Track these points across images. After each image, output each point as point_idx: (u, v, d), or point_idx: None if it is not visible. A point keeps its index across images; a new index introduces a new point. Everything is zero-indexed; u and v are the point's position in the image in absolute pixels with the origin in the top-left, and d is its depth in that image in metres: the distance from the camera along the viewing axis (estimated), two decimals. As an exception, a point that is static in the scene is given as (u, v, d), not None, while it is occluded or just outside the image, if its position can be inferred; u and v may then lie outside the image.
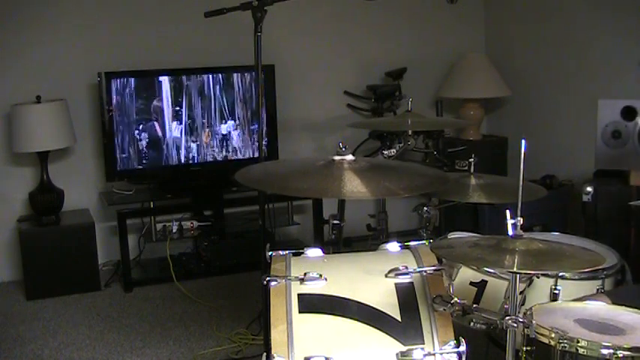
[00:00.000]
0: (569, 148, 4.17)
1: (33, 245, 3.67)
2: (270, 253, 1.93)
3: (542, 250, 1.60)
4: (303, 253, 1.96)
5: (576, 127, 4.09)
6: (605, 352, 1.51)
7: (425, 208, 2.63)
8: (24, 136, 3.68)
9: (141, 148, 3.87)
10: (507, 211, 1.64)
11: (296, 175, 1.93)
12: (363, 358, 1.68)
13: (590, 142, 3.45)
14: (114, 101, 3.78)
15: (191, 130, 3.96)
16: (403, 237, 2.14)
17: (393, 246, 2.00)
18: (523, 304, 2.07)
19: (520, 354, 1.65)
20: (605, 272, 2.16)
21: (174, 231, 4.01)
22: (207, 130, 4.00)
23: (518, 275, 1.60)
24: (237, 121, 4.05)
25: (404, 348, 1.67)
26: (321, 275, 1.79)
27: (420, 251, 1.92)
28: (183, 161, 3.98)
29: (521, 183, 1.64)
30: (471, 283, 2.24)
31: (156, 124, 3.89)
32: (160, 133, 3.91)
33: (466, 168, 2.45)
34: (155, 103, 3.87)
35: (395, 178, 1.94)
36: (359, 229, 4.08)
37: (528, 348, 1.63)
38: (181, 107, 3.93)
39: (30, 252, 3.67)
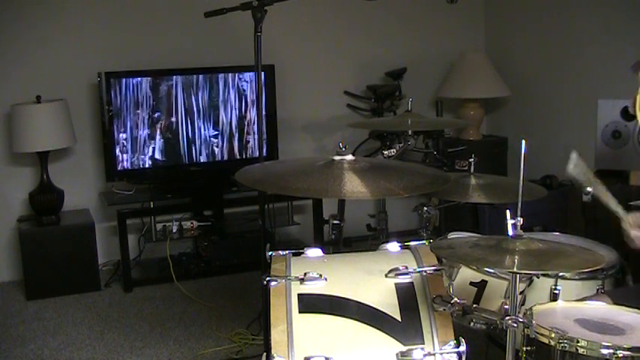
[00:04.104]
0: (569, 148, 4.16)
1: (33, 245, 3.67)
2: (270, 253, 1.93)
3: (542, 250, 1.60)
4: (303, 253, 1.96)
5: (576, 127, 4.09)
6: (605, 352, 1.52)
7: (425, 208, 2.63)
8: (24, 136, 3.68)
9: (141, 148, 3.88)
10: (507, 211, 1.64)
11: (296, 175, 1.93)
12: (363, 358, 1.68)
13: (590, 142, 3.45)
14: (114, 101, 3.78)
15: (191, 130, 3.96)
16: (403, 237, 2.14)
17: (393, 246, 1.99)
18: (523, 304, 2.07)
19: (520, 354, 1.65)
20: (605, 272, 2.16)
21: (174, 231, 4.01)
22: (207, 129, 4.00)
23: (518, 275, 1.60)
24: (238, 121, 4.05)
25: (404, 348, 1.67)
26: (321, 275, 1.79)
27: (420, 251, 1.92)
28: (183, 161, 3.98)
29: (521, 183, 1.64)
30: (471, 283, 2.24)
31: (155, 123, 3.89)
32: (159, 133, 3.91)
33: (466, 168, 2.45)
34: (155, 102, 3.87)
35: (395, 178, 1.94)
36: (359, 229, 4.08)
37: (528, 348, 1.63)
38: (181, 107, 3.93)
39: (30, 252, 3.67)
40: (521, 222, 1.62)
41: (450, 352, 1.67)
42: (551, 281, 2.06)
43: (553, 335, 1.57)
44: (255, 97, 4.02)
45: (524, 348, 1.64)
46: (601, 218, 3.25)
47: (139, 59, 4.02)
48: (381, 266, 1.84)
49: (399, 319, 1.72)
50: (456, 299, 1.69)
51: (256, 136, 4.04)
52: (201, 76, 3.95)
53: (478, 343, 2.19)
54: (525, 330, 1.61)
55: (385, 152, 2.89)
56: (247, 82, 4.04)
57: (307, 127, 4.50)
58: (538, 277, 2.12)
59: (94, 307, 3.58)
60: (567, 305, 1.82)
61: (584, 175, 2.01)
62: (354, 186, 1.81)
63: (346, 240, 4.08)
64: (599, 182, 2.04)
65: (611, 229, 2.10)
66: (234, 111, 4.04)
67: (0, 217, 3.95)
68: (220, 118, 4.01)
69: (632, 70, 2.19)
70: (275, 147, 4.13)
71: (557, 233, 2.52)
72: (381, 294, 1.77)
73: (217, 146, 4.03)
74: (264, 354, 1.70)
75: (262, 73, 2.59)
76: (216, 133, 4.02)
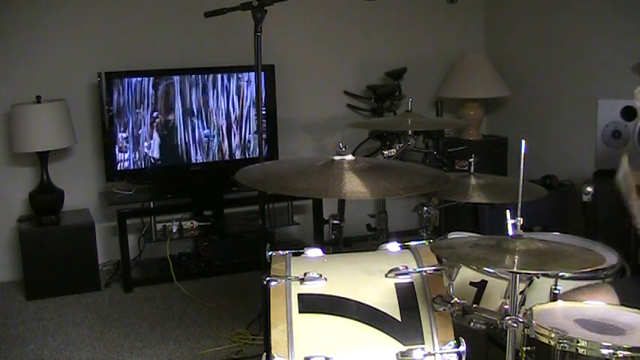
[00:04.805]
0: (569, 148, 4.17)
1: (33, 245, 3.67)
2: (270, 253, 1.92)
3: (542, 250, 1.60)
4: (303, 253, 1.96)
5: (576, 127, 4.09)
6: (605, 352, 1.51)
7: (425, 208, 2.62)
8: (24, 136, 3.68)
9: (141, 148, 3.87)
10: (507, 211, 1.64)
11: (296, 175, 1.93)
12: (363, 358, 1.68)
13: (590, 142, 3.45)
14: (114, 101, 3.78)
15: (191, 130, 3.96)
16: (403, 237, 2.14)
17: (393, 246, 1.99)
18: (523, 304, 2.07)
19: (520, 354, 1.65)
20: (605, 272, 2.16)
21: (174, 231, 4.01)
22: (207, 129, 4.00)
23: (518, 275, 1.60)
24: (237, 121, 4.05)
25: (404, 348, 1.67)
26: (321, 275, 1.79)
27: (420, 251, 1.92)
28: (183, 161, 3.98)
29: (521, 183, 1.64)
30: (471, 283, 2.24)
31: (156, 123, 3.89)
32: (159, 133, 3.91)
33: (466, 168, 2.45)
34: (155, 102, 3.87)
35: (395, 178, 1.94)
36: (359, 229, 4.08)
37: (528, 348, 1.63)
38: (181, 107, 3.93)
39: (30, 252, 3.67)
40: (521, 222, 1.62)
41: (450, 352, 1.67)
42: (551, 281, 2.05)
43: (553, 335, 1.57)
44: (255, 97, 4.02)
45: (524, 348, 1.64)
46: (601, 218, 3.26)
47: (139, 59, 4.02)
48: (381, 266, 1.84)
49: (399, 319, 1.72)
50: (456, 299, 1.69)
51: (256, 136, 4.04)
52: (201, 76, 3.95)
53: (478, 343, 2.18)
54: (525, 330, 1.61)
55: (385, 152, 2.88)
56: (247, 82, 4.04)
57: (307, 127, 4.50)
58: (538, 277, 2.12)
59: (94, 307, 3.58)
60: (567, 305, 1.82)
61: (628, 186, 1.94)
62: (354, 186, 1.81)
63: (346, 240, 4.07)
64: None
65: (611, 229, 2.11)
66: (233, 111, 4.04)
67: (0, 217, 3.95)
68: (220, 118, 4.01)
69: (632, 71, 2.19)
70: (275, 147, 4.13)
71: (557, 233, 2.52)
72: (381, 294, 1.77)
73: (217, 146, 4.03)
74: (264, 354, 1.70)
75: (262, 73, 2.59)
76: (216, 133, 4.02)
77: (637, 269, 2.29)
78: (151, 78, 3.85)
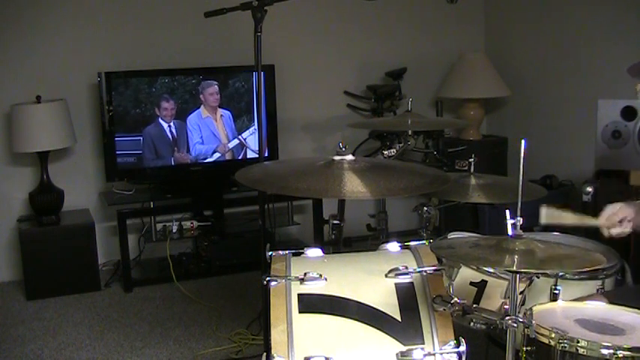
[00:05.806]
0: (569, 148, 4.17)
1: (33, 245, 3.67)
2: (270, 253, 1.92)
3: (542, 250, 1.60)
4: (303, 253, 1.96)
5: (576, 127, 4.09)
6: (605, 352, 1.51)
7: (425, 208, 2.63)
8: (24, 136, 3.68)
9: (141, 148, 3.87)
10: (507, 211, 1.64)
11: (296, 175, 1.93)
12: (363, 358, 1.68)
13: (590, 142, 3.45)
14: (114, 101, 3.78)
15: (191, 130, 3.96)
16: (403, 237, 2.14)
17: (393, 246, 1.99)
18: (523, 304, 2.07)
19: (520, 354, 1.65)
20: (605, 272, 2.16)
21: (174, 231, 4.01)
22: (206, 129, 4.00)
23: (518, 275, 1.60)
24: (237, 121, 4.05)
25: (404, 348, 1.67)
26: (321, 275, 1.79)
27: (420, 251, 1.92)
28: (183, 161, 3.98)
29: (521, 183, 1.64)
30: (471, 283, 2.24)
31: (156, 123, 3.89)
32: (159, 133, 3.90)
33: (466, 168, 2.45)
34: (155, 102, 3.87)
35: (395, 178, 1.94)
36: (359, 229, 4.08)
37: (528, 348, 1.63)
38: (181, 107, 3.93)
39: (30, 252, 3.67)
40: (521, 222, 1.62)
41: (450, 352, 1.67)
42: (551, 281, 2.05)
43: (553, 335, 1.57)
44: (255, 97, 4.02)
45: (524, 348, 1.64)
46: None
47: (139, 59, 4.02)
48: (381, 266, 1.84)
49: (399, 319, 1.72)
50: (456, 299, 1.69)
51: (256, 136, 4.04)
52: (201, 76, 3.95)
53: (478, 343, 2.19)
54: (525, 330, 1.61)
55: (385, 152, 2.89)
56: (247, 82, 4.03)
57: (307, 127, 4.50)
58: (538, 277, 2.12)
59: (94, 307, 3.59)
60: (567, 305, 1.82)
61: (557, 218, 2.06)
62: (354, 186, 1.81)
63: (346, 240, 4.08)
64: (569, 214, 2.11)
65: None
66: (234, 111, 4.03)
67: (0, 217, 3.95)
68: (220, 117, 4.01)
69: (628, 73, 2.19)
70: (275, 147, 4.13)
71: (557, 233, 2.52)
72: (381, 294, 1.77)
73: (217, 146, 4.03)
74: (264, 354, 1.70)
75: (262, 73, 2.59)
76: (216, 132, 4.02)
77: (638, 276, 2.29)
78: (151, 78, 3.85)
